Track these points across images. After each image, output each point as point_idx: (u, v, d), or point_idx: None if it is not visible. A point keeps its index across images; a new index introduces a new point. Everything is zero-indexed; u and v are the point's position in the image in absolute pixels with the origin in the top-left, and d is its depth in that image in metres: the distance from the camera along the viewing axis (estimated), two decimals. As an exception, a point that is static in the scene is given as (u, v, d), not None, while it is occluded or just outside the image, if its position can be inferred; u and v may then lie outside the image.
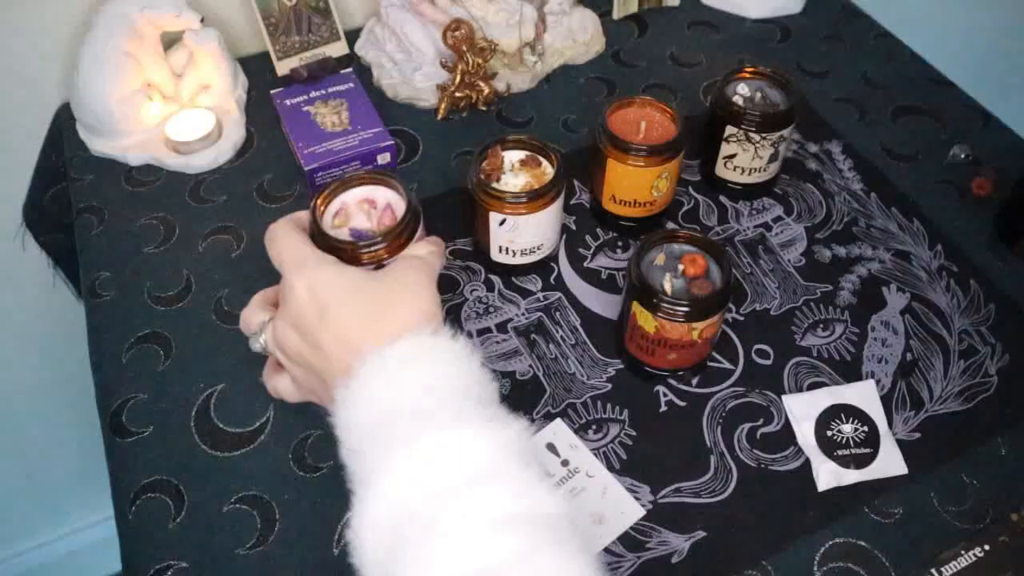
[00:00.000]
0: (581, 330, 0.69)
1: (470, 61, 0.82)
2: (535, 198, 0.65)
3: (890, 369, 0.67)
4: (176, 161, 0.80)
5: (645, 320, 0.60)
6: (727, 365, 0.67)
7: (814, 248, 0.75)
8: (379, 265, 0.54)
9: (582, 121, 0.86)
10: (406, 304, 0.49)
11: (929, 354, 0.68)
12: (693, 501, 0.59)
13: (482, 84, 0.84)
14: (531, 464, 0.43)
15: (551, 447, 0.61)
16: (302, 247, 0.52)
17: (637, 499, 0.59)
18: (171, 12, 0.77)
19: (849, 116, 0.87)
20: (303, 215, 0.57)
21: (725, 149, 0.75)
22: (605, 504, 0.59)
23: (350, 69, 0.86)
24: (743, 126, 0.72)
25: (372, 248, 0.54)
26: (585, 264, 0.74)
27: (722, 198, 0.79)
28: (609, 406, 0.64)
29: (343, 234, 0.56)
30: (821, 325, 0.69)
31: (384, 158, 0.79)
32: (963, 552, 0.56)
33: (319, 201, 0.57)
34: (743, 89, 0.75)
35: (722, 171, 0.77)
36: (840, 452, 0.61)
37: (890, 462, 0.61)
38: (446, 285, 0.71)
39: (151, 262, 0.73)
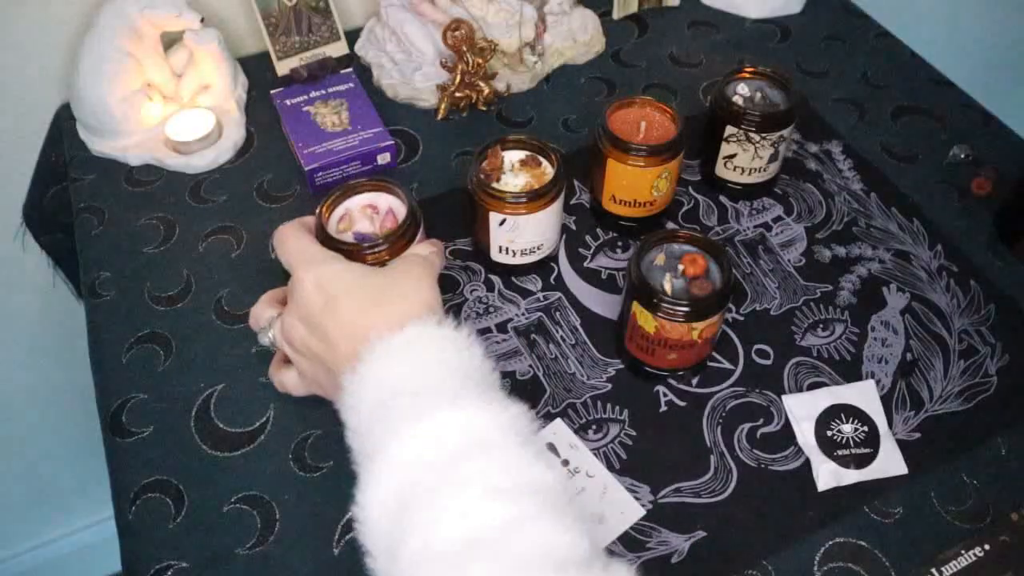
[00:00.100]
0: (581, 330, 0.69)
1: (470, 61, 0.82)
2: (535, 198, 0.65)
3: (890, 369, 0.67)
4: (176, 161, 0.80)
5: (645, 320, 0.60)
6: (727, 365, 0.67)
7: (814, 248, 0.75)
8: (382, 266, 0.56)
9: (582, 121, 0.86)
10: (409, 296, 0.52)
11: (929, 354, 0.68)
12: (693, 501, 0.59)
13: (482, 84, 0.84)
14: (530, 441, 0.46)
15: (551, 447, 0.61)
16: (310, 246, 0.55)
17: (637, 499, 0.59)
18: (171, 12, 0.77)
19: (849, 116, 0.87)
20: (309, 219, 0.59)
21: (725, 149, 0.75)
22: (605, 504, 0.59)
23: (350, 69, 0.86)
24: (743, 126, 0.72)
25: (375, 250, 0.56)
26: (585, 264, 0.74)
27: (722, 198, 0.79)
28: (609, 406, 0.64)
29: (347, 237, 0.59)
30: (821, 325, 0.69)
31: (384, 158, 0.79)
32: (963, 552, 0.56)
33: (324, 207, 0.59)
34: (743, 89, 0.75)
35: (722, 171, 0.77)
36: (840, 452, 0.61)
37: (890, 462, 0.61)
38: (446, 285, 0.71)
39: (151, 262, 0.73)
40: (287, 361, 0.58)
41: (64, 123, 0.85)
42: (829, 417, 0.63)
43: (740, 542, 0.57)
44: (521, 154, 0.69)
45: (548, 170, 0.68)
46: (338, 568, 0.56)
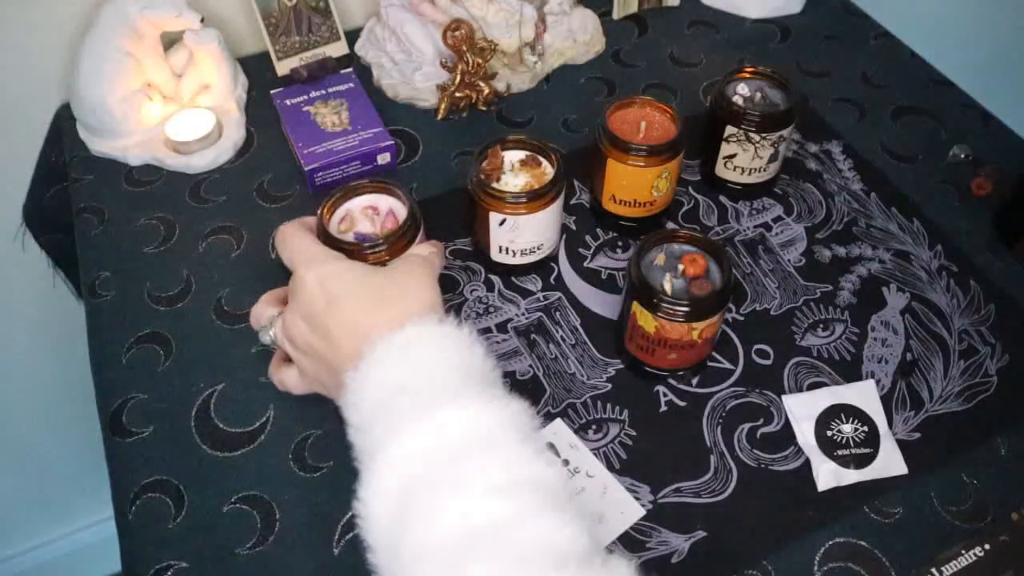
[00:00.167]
0: (581, 330, 0.69)
1: (470, 61, 0.82)
2: (535, 198, 0.65)
3: (890, 369, 0.67)
4: (176, 161, 0.80)
5: (645, 320, 0.60)
6: (727, 365, 0.67)
7: (814, 248, 0.75)
8: (382, 266, 0.57)
9: (582, 121, 0.86)
10: (411, 294, 0.52)
11: (929, 354, 0.68)
12: (693, 501, 0.59)
13: (482, 84, 0.84)
14: (530, 439, 0.46)
15: (551, 447, 0.61)
16: (312, 245, 0.56)
17: (637, 499, 0.59)
18: (171, 12, 0.77)
19: (849, 116, 0.87)
20: (310, 219, 0.60)
21: (725, 149, 0.75)
22: (605, 504, 0.59)
23: (350, 69, 0.86)
24: (743, 126, 0.72)
25: (375, 250, 0.57)
26: (585, 264, 0.74)
27: (722, 198, 0.79)
28: (609, 406, 0.64)
29: (348, 238, 0.59)
30: (821, 325, 0.69)
31: (384, 158, 0.79)
32: (963, 552, 0.56)
33: (325, 208, 0.60)
34: (743, 89, 0.75)
35: (722, 171, 0.77)
36: (840, 452, 0.61)
37: (890, 462, 0.61)
38: (446, 285, 0.71)
39: (151, 262, 0.73)
40: (287, 360, 0.59)
41: (64, 123, 0.85)
42: (829, 417, 0.63)
43: (740, 542, 0.57)
44: (521, 154, 0.69)
45: (548, 170, 0.68)
46: (338, 568, 0.56)
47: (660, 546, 0.57)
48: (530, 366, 0.66)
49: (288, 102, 0.82)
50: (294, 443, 0.62)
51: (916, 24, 1.08)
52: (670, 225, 0.76)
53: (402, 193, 0.61)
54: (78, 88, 0.79)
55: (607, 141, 0.69)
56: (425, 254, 0.57)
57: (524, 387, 0.65)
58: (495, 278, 0.72)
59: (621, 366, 0.66)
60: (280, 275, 0.71)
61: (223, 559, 0.56)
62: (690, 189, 0.80)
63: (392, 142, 0.79)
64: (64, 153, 0.83)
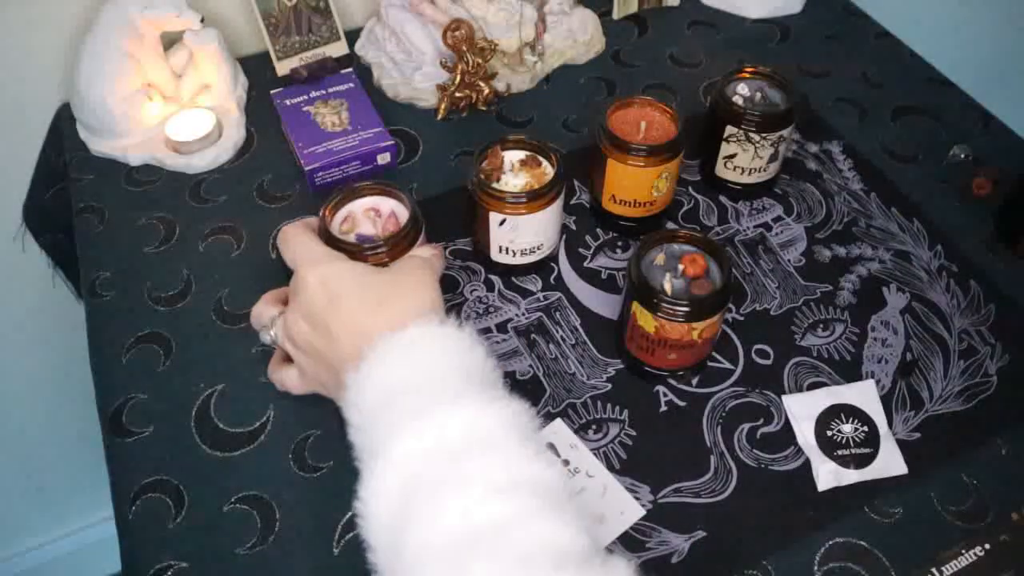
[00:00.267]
0: (581, 330, 0.69)
1: (470, 61, 0.82)
2: (535, 198, 0.65)
3: (890, 369, 0.67)
4: (176, 161, 0.80)
5: (645, 320, 0.60)
6: (727, 365, 0.67)
7: (814, 248, 0.75)
8: (383, 267, 0.57)
9: (582, 121, 0.86)
10: (412, 295, 0.53)
11: (929, 354, 0.68)
12: (693, 501, 0.59)
13: (482, 84, 0.84)
14: (531, 439, 0.46)
15: (551, 447, 0.61)
16: (315, 246, 0.56)
17: (637, 499, 0.59)
18: (171, 12, 0.77)
19: (849, 116, 0.87)
20: (313, 220, 0.60)
21: (725, 149, 0.75)
22: (605, 504, 0.59)
23: (350, 69, 0.86)
24: (743, 126, 0.72)
25: (376, 251, 0.57)
26: (585, 264, 0.74)
27: (722, 198, 0.79)
28: (609, 406, 0.64)
29: (350, 239, 0.59)
30: (821, 325, 0.69)
31: (384, 158, 0.79)
32: (963, 551, 0.56)
33: (327, 209, 0.60)
34: (743, 89, 0.75)
35: (722, 171, 0.77)
36: (840, 452, 0.61)
37: (890, 462, 0.61)
38: (446, 285, 0.71)
39: (151, 262, 0.73)
40: (287, 360, 0.59)
41: (64, 123, 0.85)
42: (829, 417, 0.63)
43: (740, 542, 0.57)
44: (521, 154, 0.69)
45: (548, 170, 0.68)
46: (338, 568, 0.56)
47: (660, 546, 0.57)
48: (530, 366, 0.66)
49: (288, 102, 0.82)
50: (294, 443, 0.62)
51: (916, 24, 1.08)
52: (670, 225, 0.76)
53: (404, 196, 0.61)
54: (78, 88, 0.79)
55: (607, 141, 0.69)
56: (426, 256, 0.57)
57: (524, 387, 0.65)
58: (495, 278, 0.72)
59: (621, 366, 0.66)
60: (280, 275, 0.71)
61: (223, 559, 0.56)
62: (690, 189, 0.80)
63: (392, 142, 0.79)
64: (64, 153, 0.83)
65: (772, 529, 0.58)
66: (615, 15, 0.98)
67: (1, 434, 1.17)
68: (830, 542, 0.57)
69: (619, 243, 0.75)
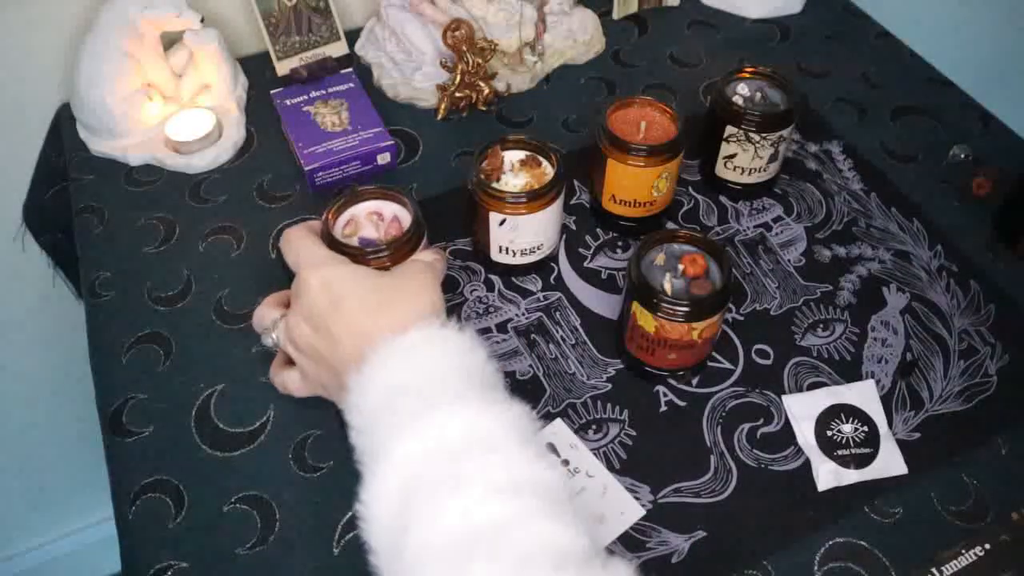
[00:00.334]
0: (581, 330, 0.69)
1: (470, 61, 0.82)
2: (535, 198, 0.65)
3: (890, 369, 0.67)
4: (176, 161, 0.80)
5: (645, 320, 0.60)
6: (727, 365, 0.67)
7: (814, 248, 0.75)
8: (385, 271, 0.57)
9: (582, 121, 0.86)
10: (414, 298, 0.53)
11: (929, 354, 0.68)
12: (693, 501, 0.59)
13: (482, 84, 0.84)
14: (531, 441, 0.46)
15: (551, 447, 0.61)
16: (317, 249, 0.56)
17: (637, 499, 0.59)
18: (171, 12, 0.77)
19: (849, 116, 0.87)
20: (315, 223, 0.60)
21: (725, 149, 0.75)
22: (605, 504, 0.59)
23: (350, 69, 0.86)
24: (743, 126, 0.72)
25: (378, 255, 0.57)
26: (585, 264, 0.74)
27: (722, 198, 0.79)
28: (609, 406, 0.64)
29: (352, 242, 0.59)
30: (821, 325, 0.69)
31: (384, 158, 0.79)
32: (963, 551, 0.56)
33: (330, 212, 0.60)
34: (743, 89, 0.75)
35: (722, 171, 0.77)
36: (840, 452, 0.61)
37: (890, 462, 0.61)
38: (446, 285, 0.71)
39: (151, 262, 0.73)
40: (288, 362, 0.59)
41: (64, 123, 0.85)
42: (829, 417, 0.63)
43: (740, 542, 0.57)
44: (521, 154, 0.69)
45: (548, 170, 0.68)
46: (338, 568, 0.56)
47: (660, 546, 0.57)
48: (530, 366, 0.66)
49: (288, 102, 0.82)
50: (294, 443, 0.62)
51: (916, 24, 1.08)
52: (670, 225, 0.76)
53: (407, 200, 0.61)
54: (78, 88, 0.79)
55: (607, 141, 0.69)
56: (429, 260, 0.58)
57: (524, 387, 0.65)
58: (495, 278, 0.72)
59: (621, 366, 0.66)
60: (280, 275, 0.71)
61: (223, 559, 0.56)
62: (690, 189, 0.80)
63: (392, 142, 0.79)
64: (64, 153, 0.83)
65: (772, 529, 0.58)
66: (615, 15, 0.98)
67: (1, 434, 1.17)
68: (830, 542, 0.57)
69: (619, 243, 0.75)
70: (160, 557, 0.56)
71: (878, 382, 0.65)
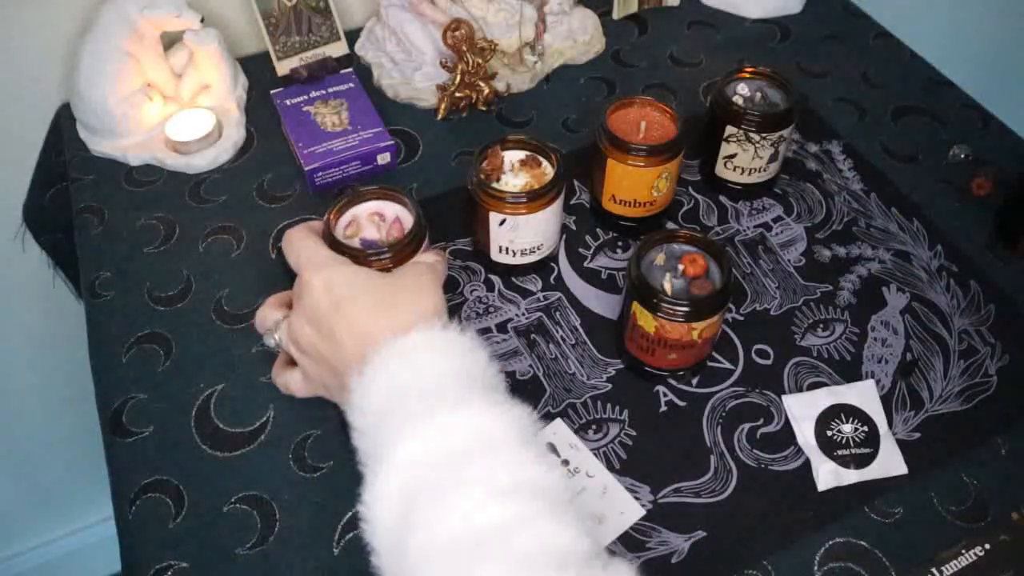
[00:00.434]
0: (581, 330, 0.69)
1: (470, 61, 0.82)
2: (535, 198, 0.65)
3: (890, 369, 0.67)
4: (176, 161, 0.80)
5: (645, 320, 0.60)
6: (727, 365, 0.67)
7: (814, 248, 0.75)
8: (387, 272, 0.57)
9: (582, 121, 0.86)
10: (416, 300, 0.53)
11: (929, 354, 0.68)
12: (693, 501, 0.59)
13: (482, 84, 0.84)
14: (533, 442, 0.46)
15: (551, 447, 0.61)
16: (320, 249, 0.56)
17: (637, 499, 0.59)
18: (171, 12, 0.77)
19: (849, 116, 0.87)
20: (316, 223, 0.60)
21: (725, 149, 0.75)
22: (605, 504, 0.59)
23: (350, 69, 0.86)
24: (743, 126, 0.72)
25: (380, 257, 0.57)
26: (585, 264, 0.74)
27: (722, 198, 0.79)
28: (609, 406, 0.64)
29: (354, 243, 0.59)
30: (821, 325, 0.69)
31: (384, 158, 0.79)
32: (963, 551, 0.56)
33: (332, 213, 0.60)
34: (743, 89, 0.75)
35: (722, 171, 0.77)
36: (840, 452, 0.61)
37: (890, 462, 0.61)
38: (446, 286, 0.71)
39: (151, 262, 0.73)
40: (290, 363, 0.59)
41: (64, 123, 0.85)
42: (829, 417, 0.63)
43: (740, 542, 0.57)
44: (521, 154, 0.69)
45: (548, 170, 0.68)
46: (338, 568, 0.56)
47: (660, 546, 0.57)
48: (530, 366, 0.66)
49: (288, 102, 0.82)
50: (294, 443, 0.62)
51: (916, 24, 1.08)
52: (670, 225, 0.76)
53: (409, 201, 0.61)
54: (78, 88, 0.79)
55: (607, 141, 0.69)
56: (430, 261, 0.58)
57: (524, 387, 0.65)
58: (495, 278, 0.72)
59: (621, 366, 0.66)
60: (280, 275, 0.71)
61: (223, 559, 0.56)
62: (690, 189, 0.80)
63: (392, 142, 0.79)
64: (64, 153, 0.83)
65: (772, 529, 0.58)
66: (615, 15, 0.98)
67: (1, 434, 1.17)
68: (830, 542, 0.57)
69: (619, 243, 0.75)
70: (160, 557, 0.56)
71: (878, 382, 0.65)
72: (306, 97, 0.83)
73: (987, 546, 0.56)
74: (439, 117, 0.86)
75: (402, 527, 0.43)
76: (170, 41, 0.84)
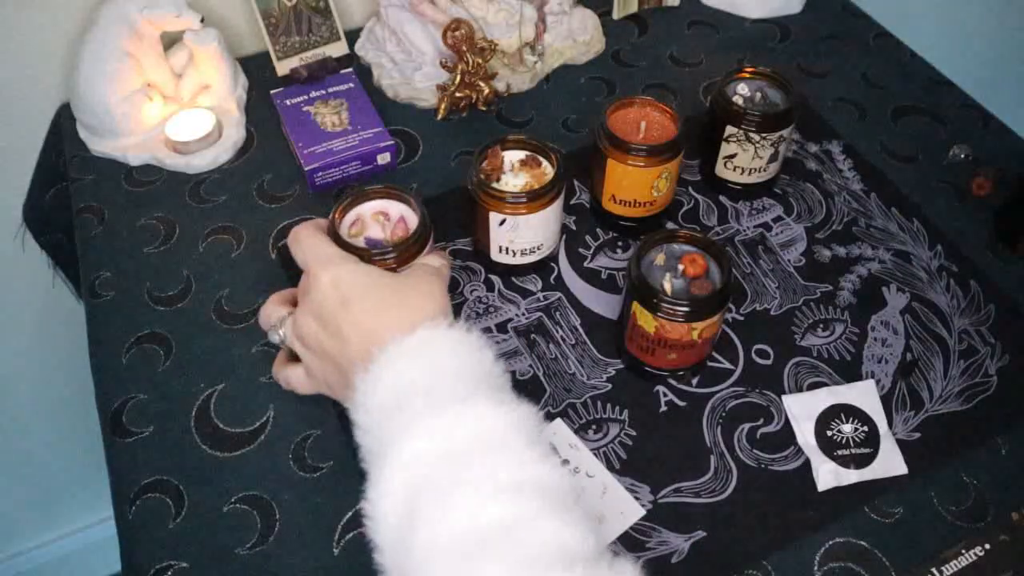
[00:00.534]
0: (581, 330, 0.69)
1: (470, 61, 0.82)
2: (535, 198, 0.65)
3: (890, 369, 0.67)
4: (176, 161, 0.80)
5: (645, 320, 0.60)
6: (727, 365, 0.67)
7: (814, 248, 0.75)
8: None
9: (582, 121, 0.86)
10: (422, 300, 0.53)
11: (929, 354, 0.68)
12: (693, 501, 0.59)
13: (482, 84, 0.84)
14: (537, 441, 0.46)
15: (551, 447, 0.61)
16: (327, 247, 0.56)
17: (637, 499, 0.59)
18: (171, 12, 0.77)
19: (849, 116, 0.87)
20: (323, 221, 0.60)
21: (725, 149, 0.75)
22: (605, 504, 0.59)
23: (350, 69, 0.86)
24: (743, 126, 0.72)
25: (384, 257, 0.57)
26: (585, 264, 0.74)
27: (722, 198, 0.79)
28: (609, 406, 0.64)
29: (358, 242, 0.59)
30: (821, 325, 0.69)
31: (384, 158, 0.79)
32: (963, 552, 0.56)
33: (337, 211, 0.60)
34: (743, 89, 0.75)
35: (722, 171, 0.77)
36: (840, 452, 0.61)
37: (890, 462, 0.61)
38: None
39: (151, 262, 0.73)
40: (291, 359, 0.59)
41: (64, 123, 0.85)
42: (829, 417, 0.63)
43: (740, 542, 0.57)
44: (521, 154, 0.69)
45: (548, 170, 0.68)
46: (338, 568, 0.56)
47: (660, 546, 0.57)
48: (530, 366, 0.66)
49: (288, 102, 0.82)
50: (294, 443, 0.62)
51: (916, 24, 1.08)
52: (670, 225, 0.76)
53: (413, 200, 0.61)
54: (78, 88, 0.79)
55: (607, 141, 0.69)
56: (437, 265, 0.58)
57: (524, 387, 0.65)
58: (495, 278, 0.72)
59: (621, 366, 0.66)
60: (281, 275, 0.71)
61: (223, 559, 0.56)
62: (690, 189, 0.80)
63: (392, 142, 0.79)
64: (64, 153, 0.83)
65: (772, 529, 0.58)
66: (615, 15, 0.98)
67: (1, 434, 1.17)
68: (830, 542, 0.57)
69: (619, 243, 0.75)
70: (160, 557, 0.56)
71: (878, 382, 0.65)
72: (306, 97, 0.83)
73: (987, 546, 0.56)
74: (439, 117, 0.86)
75: (406, 524, 0.43)
76: (170, 41, 0.84)
